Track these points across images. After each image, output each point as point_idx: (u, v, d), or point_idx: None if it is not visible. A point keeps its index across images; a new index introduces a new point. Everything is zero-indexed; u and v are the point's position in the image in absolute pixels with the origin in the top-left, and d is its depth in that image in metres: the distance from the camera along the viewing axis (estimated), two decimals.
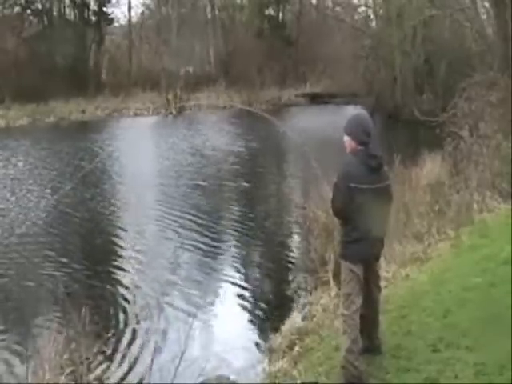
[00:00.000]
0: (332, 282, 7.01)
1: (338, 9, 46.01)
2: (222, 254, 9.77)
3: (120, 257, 9.77)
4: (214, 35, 45.41)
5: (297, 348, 5.69)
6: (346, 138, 4.60)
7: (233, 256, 9.61)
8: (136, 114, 33.87)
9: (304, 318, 6.56)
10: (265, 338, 6.61)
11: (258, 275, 8.78)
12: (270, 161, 19.97)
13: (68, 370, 5.07)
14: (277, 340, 6.14)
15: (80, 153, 20.16)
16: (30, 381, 5.14)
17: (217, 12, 47.15)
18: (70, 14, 40.61)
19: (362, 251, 4.49)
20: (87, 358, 5.27)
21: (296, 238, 10.69)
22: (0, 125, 29.39)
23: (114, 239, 10.75)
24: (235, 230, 10.98)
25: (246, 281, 8.51)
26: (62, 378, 5.00)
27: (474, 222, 8.63)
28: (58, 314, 7.07)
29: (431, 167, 11.55)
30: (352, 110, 23.45)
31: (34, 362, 5.56)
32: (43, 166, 17.93)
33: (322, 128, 22.51)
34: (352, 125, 4.60)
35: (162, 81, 34.23)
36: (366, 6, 39.02)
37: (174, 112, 33.85)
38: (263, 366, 5.79)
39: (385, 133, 23.71)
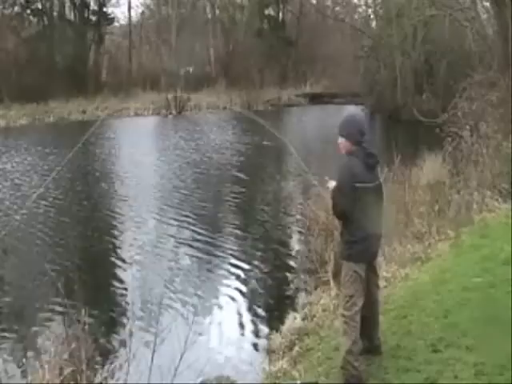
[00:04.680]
0: (332, 282, 7.01)
1: (338, 9, 46.06)
2: (221, 254, 9.76)
3: (120, 256, 9.76)
4: (214, 35, 45.46)
5: (297, 348, 5.69)
6: (341, 140, 4.58)
7: (232, 256, 9.60)
8: (136, 114, 33.88)
9: (304, 318, 6.56)
10: (265, 338, 6.61)
11: (257, 275, 8.77)
12: (270, 161, 19.97)
13: (68, 370, 5.06)
14: (277, 340, 6.14)
15: (79, 152, 20.12)
16: (29, 381, 5.14)
17: (217, 12, 47.21)
18: (69, 13, 40.66)
19: (366, 250, 4.50)
20: (87, 358, 5.26)
21: (296, 237, 10.68)
22: (0, 124, 29.41)
23: (114, 238, 10.75)
24: (235, 230, 10.99)
25: (246, 281, 8.50)
26: (62, 378, 5.00)
27: (474, 222, 8.63)
28: (58, 314, 7.07)
29: (431, 167, 11.54)
30: (352, 110, 23.46)
31: (34, 362, 5.56)
32: (41, 164, 17.94)
33: (323, 128, 22.53)
34: (347, 126, 4.60)
35: (161, 81, 34.25)
36: (366, 5, 39.04)
37: (173, 112, 33.86)
38: (263, 365, 5.78)
39: (385, 133, 23.75)
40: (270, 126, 6.65)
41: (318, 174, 5.73)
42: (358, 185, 4.39)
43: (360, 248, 4.46)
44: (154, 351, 4.85)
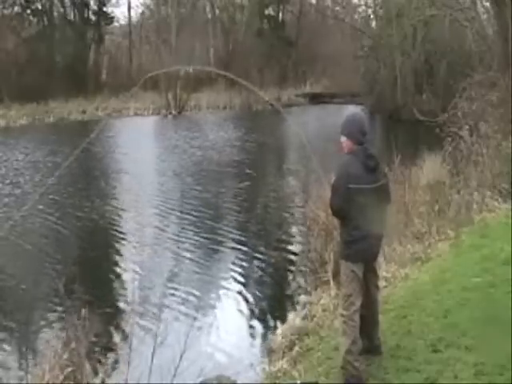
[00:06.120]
0: (332, 282, 7.01)
1: (338, 9, 46.05)
2: (221, 255, 9.77)
3: (121, 255, 9.77)
4: (214, 35, 45.45)
5: (297, 348, 5.69)
6: (343, 139, 4.60)
7: (233, 256, 9.60)
8: (136, 114, 33.87)
9: (304, 318, 6.56)
10: (265, 338, 6.62)
11: (257, 275, 8.77)
12: (270, 161, 19.98)
13: (68, 370, 5.06)
14: (277, 340, 6.15)
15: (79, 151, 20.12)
16: (29, 381, 5.14)
17: (217, 12, 47.21)
18: (69, 13, 40.65)
19: (363, 250, 4.50)
20: (87, 358, 5.26)
21: (296, 237, 10.68)
22: (0, 124, 29.42)
23: (115, 236, 10.75)
24: (234, 231, 10.99)
25: (246, 281, 8.50)
26: (62, 378, 5.00)
27: (474, 222, 8.63)
28: (58, 314, 7.07)
29: (431, 167, 11.53)
30: (353, 110, 23.44)
31: (34, 362, 5.57)
32: (42, 163, 17.95)
33: (323, 128, 22.51)
34: (349, 125, 4.60)
35: (161, 81, 34.22)
36: (366, 6, 39.03)
37: (173, 112, 33.85)
38: (263, 366, 5.79)
39: (385, 133, 23.74)
40: (293, 123, 6.67)
41: (319, 172, 5.72)
42: (351, 186, 4.39)
43: (358, 248, 4.46)
44: (154, 351, 4.85)
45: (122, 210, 12.78)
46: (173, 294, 7.83)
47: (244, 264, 9.20)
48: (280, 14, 46.85)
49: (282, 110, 6.63)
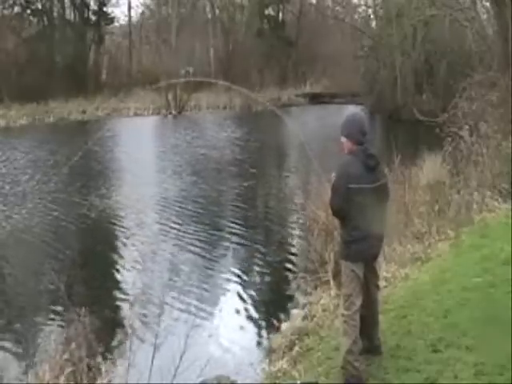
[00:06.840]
0: (332, 282, 7.01)
1: (338, 9, 46.04)
2: (221, 255, 9.77)
3: (121, 255, 9.77)
4: (214, 35, 45.43)
5: (297, 348, 5.69)
6: (344, 140, 4.60)
7: (233, 256, 9.61)
8: (136, 114, 33.87)
9: (304, 318, 6.56)
10: (265, 337, 6.62)
11: (257, 275, 8.78)
12: (270, 161, 19.97)
13: (68, 370, 5.06)
14: (277, 340, 6.15)
15: (79, 151, 20.13)
16: (29, 381, 5.14)
17: (217, 12, 47.19)
18: (69, 13, 40.63)
19: (363, 250, 4.49)
20: (87, 358, 5.26)
21: (296, 237, 10.69)
22: (0, 124, 29.42)
23: (115, 236, 10.76)
24: (235, 231, 10.99)
25: (246, 281, 8.51)
26: (62, 378, 5.00)
27: (474, 222, 8.62)
28: (58, 314, 7.07)
29: (431, 167, 11.53)
30: (353, 110, 23.42)
31: (34, 362, 5.57)
32: (42, 163, 17.96)
33: (323, 128, 22.51)
34: (348, 125, 4.60)
35: (161, 81, 34.21)
36: (366, 6, 39.04)
37: (173, 112, 33.86)
38: (263, 366, 5.79)
39: (385, 133, 23.73)
40: (291, 124, 6.65)
41: (319, 172, 5.72)
42: (351, 186, 4.40)
43: (357, 248, 4.46)
44: (154, 351, 4.85)
45: (123, 208, 12.79)
46: (173, 294, 7.83)
47: (244, 264, 9.20)
48: (280, 14, 46.82)
49: (281, 111, 6.61)
